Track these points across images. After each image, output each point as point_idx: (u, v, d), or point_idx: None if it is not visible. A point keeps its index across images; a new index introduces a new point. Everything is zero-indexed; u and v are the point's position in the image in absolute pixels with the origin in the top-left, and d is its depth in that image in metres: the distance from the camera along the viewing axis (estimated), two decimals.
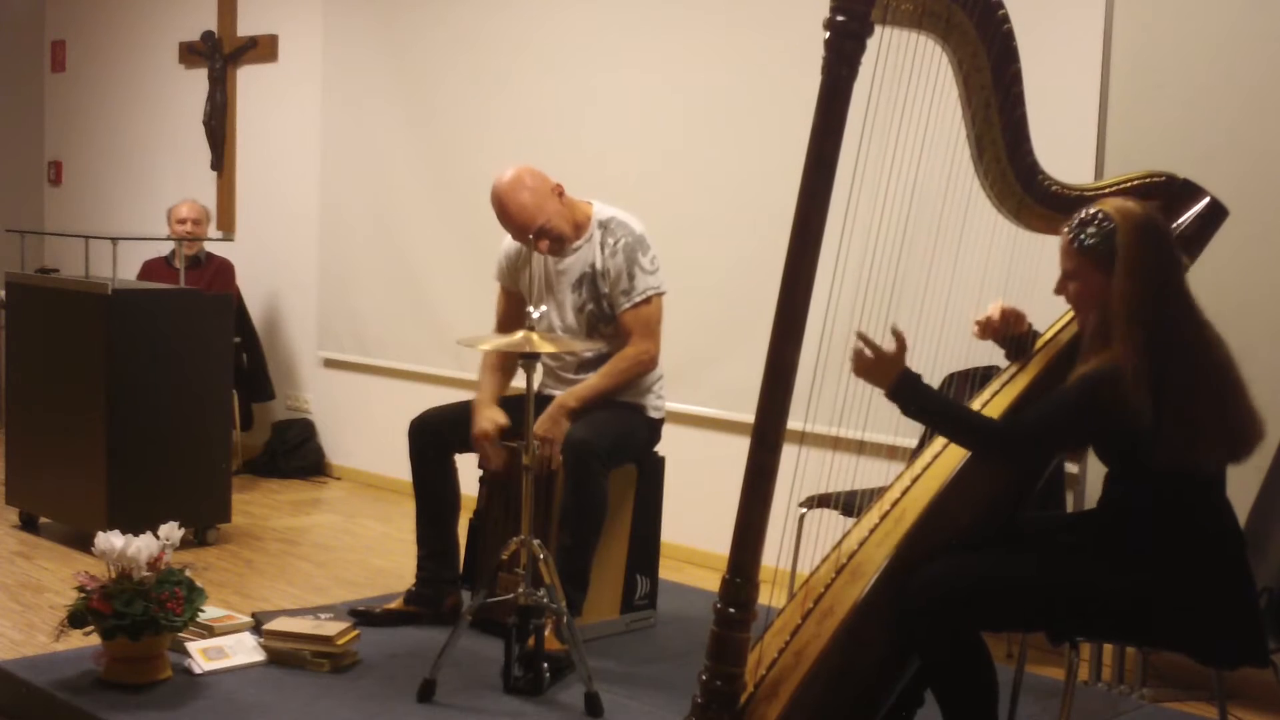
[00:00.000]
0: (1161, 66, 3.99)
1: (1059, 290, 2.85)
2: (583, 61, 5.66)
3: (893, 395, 2.82)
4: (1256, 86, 3.85)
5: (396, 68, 6.42)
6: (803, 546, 3.84)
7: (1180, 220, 3.02)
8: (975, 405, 3.00)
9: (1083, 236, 2.74)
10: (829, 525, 3.25)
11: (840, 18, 2.63)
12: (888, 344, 2.83)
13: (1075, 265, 2.77)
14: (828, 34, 2.64)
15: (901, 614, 2.73)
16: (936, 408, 2.85)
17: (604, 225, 4.07)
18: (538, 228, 3.91)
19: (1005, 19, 2.84)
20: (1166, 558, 2.70)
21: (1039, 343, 3.09)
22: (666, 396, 4.23)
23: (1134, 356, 2.63)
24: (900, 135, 2.77)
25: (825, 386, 2.89)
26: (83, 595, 3.52)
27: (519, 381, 3.73)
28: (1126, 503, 2.79)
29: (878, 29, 2.69)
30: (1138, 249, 2.69)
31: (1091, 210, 2.76)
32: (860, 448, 3.18)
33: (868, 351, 2.82)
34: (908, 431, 3.28)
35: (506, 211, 3.95)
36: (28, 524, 5.49)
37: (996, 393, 3.01)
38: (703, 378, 5.18)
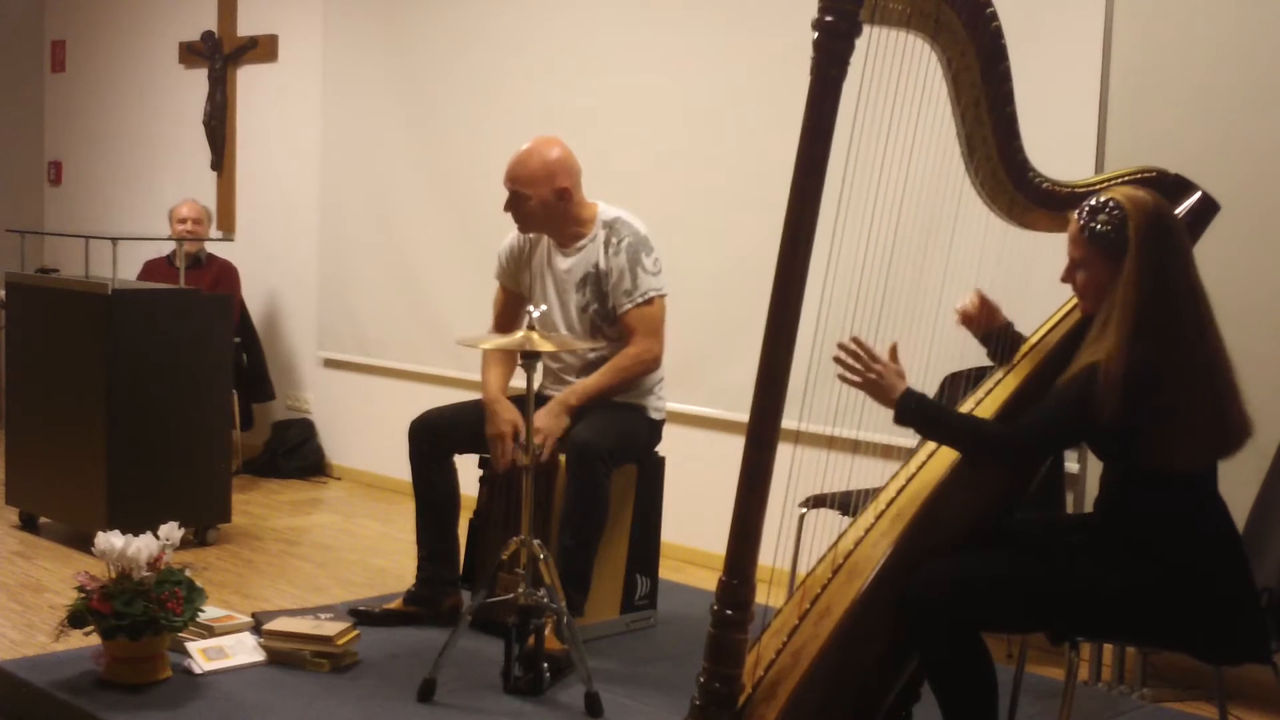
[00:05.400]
0: (1161, 66, 3.99)
1: (1066, 278, 2.84)
2: (583, 61, 5.66)
3: (900, 413, 2.82)
4: (1256, 86, 3.84)
5: (396, 68, 6.42)
6: (801, 546, 3.84)
7: None
8: (968, 406, 3.00)
9: (1093, 225, 2.72)
10: (827, 525, 3.25)
11: (829, 18, 2.63)
12: (882, 352, 2.85)
13: (1084, 254, 2.76)
14: (816, 34, 2.63)
15: (904, 612, 2.73)
16: (940, 421, 2.86)
17: (609, 225, 4.07)
18: (511, 190, 4.00)
19: (993, 17, 2.83)
20: (1162, 555, 2.70)
21: (1028, 342, 3.09)
22: (666, 397, 4.23)
23: (1124, 352, 2.63)
24: (891, 135, 2.76)
25: (820, 386, 2.89)
26: (83, 595, 3.52)
27: (518, 381, 3.73)
28: (1119, 502, 2.80)
29: (866, 29, 2.69)
30: (1148, 239, 2.68)
31: (1102, 198, 2.74)
32: (856, 447, 3.18)
33: (873, 368, 2.82)
34: (903, 431, 3.28)
35: (514, 161, 4.03)
36: (28, 524, 5.49)
37: (989, 392, 3.01)
38: (703, 378, 5.18)
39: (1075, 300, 2.99)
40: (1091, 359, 2.68)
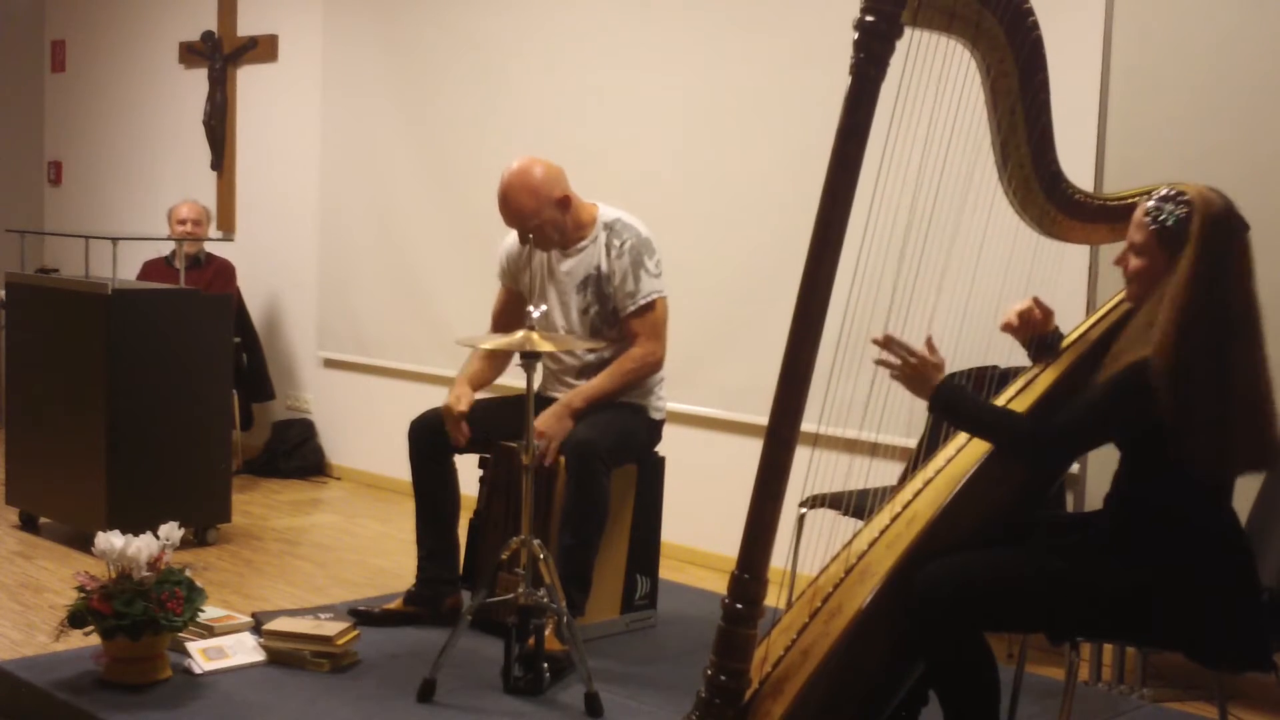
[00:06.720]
0: (1161, 67, 3.99)
1: (1119, 261, 2.81)
2: (583, 61, 5.66)
3: (934, 403, 2.82)
4: (1256, 87, 3.84)
5: (396, 68, 6.43)
6: (801, 547, 3.84)
7: None
8: (1008, 394, 2.98)
9: (1160, 214, 2.69)
10: (830, 526, 3.25)
11: (870, 18, 2.62)
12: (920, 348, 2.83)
13: (1143, 240, 2.72)
14: (857, 34, 2.62)
15: (906, 612, 2.73)
16: (972, 412, 2.83)
17: (609, 227, 4.07)
18: (519, 227, 3.96)
19: (1035, 25, 2.80)
20: (1172, 559, 2.70)
21: (1068, 338, 3.06)
22: (666, 397, 4.23)
23: (1170, 352, 2.59)
24: (923, 138, 2.74)
25: (840, 388, 2.88)
26: (83, 595, 3.52)
27: (518, 381, 3.73)
28: (1135, 502, 2.78)
29: (906, 31, 2.66)
30: (1209, 239, 2.64)
31: (1175, 190, 2.70)
32: (872, 449, 3.17)
33: (910, 359, 2.81)
34: (915, 434, 3.27)
35: (505, 204, 3.98)
36: (28, 524, 5.49)
37: (1022, 390, 2.98)
38: (703, 378, 5.18)
39: (1118, 299, 2.97)
40: (1137, 355, 2.63)
